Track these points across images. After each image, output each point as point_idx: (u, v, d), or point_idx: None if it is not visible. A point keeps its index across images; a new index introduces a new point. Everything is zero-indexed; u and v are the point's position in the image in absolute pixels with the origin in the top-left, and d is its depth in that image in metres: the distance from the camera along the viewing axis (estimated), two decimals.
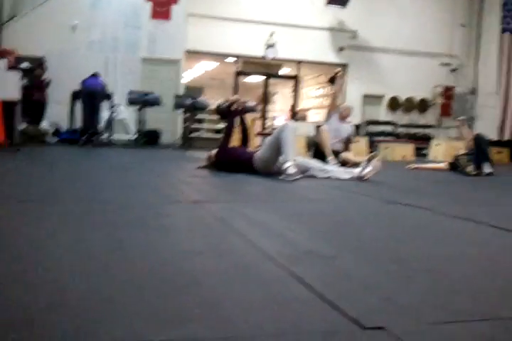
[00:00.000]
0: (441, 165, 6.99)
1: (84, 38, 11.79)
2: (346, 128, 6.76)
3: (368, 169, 4.46)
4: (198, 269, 1.38)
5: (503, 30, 14.39)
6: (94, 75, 10.03)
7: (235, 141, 5.26)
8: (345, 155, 6.63)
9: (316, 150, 6.58)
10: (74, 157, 6.72)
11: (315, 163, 4.81)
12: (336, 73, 6.48)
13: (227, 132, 4.93)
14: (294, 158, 4.34)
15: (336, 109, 6.73)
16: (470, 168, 5.96)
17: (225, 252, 1.59)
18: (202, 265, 1.43)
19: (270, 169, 4.59)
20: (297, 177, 4.18)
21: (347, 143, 6.79)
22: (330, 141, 6.39)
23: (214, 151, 4.99)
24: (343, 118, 6.74)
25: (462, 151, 6.65)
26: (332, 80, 6.54)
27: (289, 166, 4.23)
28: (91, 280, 1.23)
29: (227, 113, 5.00)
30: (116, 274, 1.29)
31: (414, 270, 1.48)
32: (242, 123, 5.18)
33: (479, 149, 6.24)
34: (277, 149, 4.43)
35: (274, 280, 1.30)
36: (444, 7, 15.06)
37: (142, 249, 1.59)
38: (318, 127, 6.54)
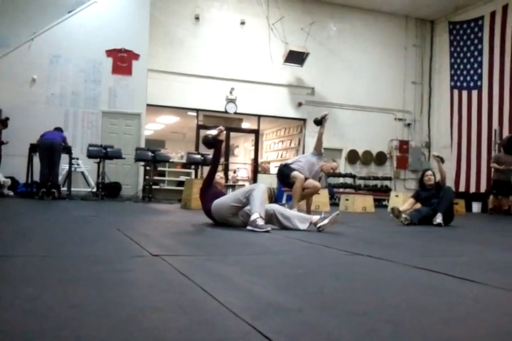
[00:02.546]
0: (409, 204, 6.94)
1: (43, 91, 11.80)
2: (319, 169, 7.13)
3: (325, 221, 4.48)
4: (159, 327, 1.33)
5: (452, 87, 15.20)
6: (57, 129, 9.98)
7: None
8: (310, 182, 6.80)
9: (286, 181, 6.88)
10: (31, 210, 6.53)
11: (277, 207, 4.83)
12: (324, 116, 6.95)
13: (214, 163, 5.05)
14: (261, 214, 4.34)
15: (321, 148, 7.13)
16: (402, 218, 6.06)
17: (186, 308, 1.54)
18: (163, 322, 1.38)
19: (224, 216, 4.60)
20: (268, 228, 4.18)
21: (315, 178, 7.05)
22: (306, 176, 6.74)
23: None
24: (328, 171, 7.25)
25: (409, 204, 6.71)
26: (320, 122, 7.01)
27: (257, 218, 4.25)
28: None
29: (214, 143, 5.09)
30: (73, 334, 1.24)
31: (378, 321, 1.47)
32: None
33: (444, 198, 6.30)
34: (239, 201, 4.48)
35: (238, 336, 1.27)
36: (396, 66, 15.86)
37: (100, 306, 1.53)
38: (297, 173, 6.72)
